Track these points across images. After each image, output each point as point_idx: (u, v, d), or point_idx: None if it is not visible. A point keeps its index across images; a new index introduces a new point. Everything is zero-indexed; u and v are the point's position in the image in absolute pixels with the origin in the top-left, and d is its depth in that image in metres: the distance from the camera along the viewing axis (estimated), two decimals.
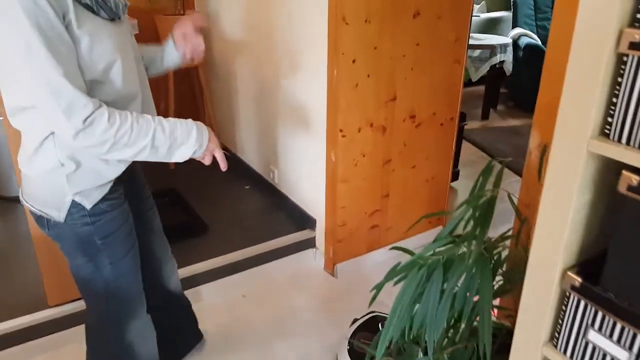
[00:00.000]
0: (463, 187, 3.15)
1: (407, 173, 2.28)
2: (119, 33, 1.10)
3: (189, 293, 1.96)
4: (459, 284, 1.02)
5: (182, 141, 1.14)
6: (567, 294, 0.82)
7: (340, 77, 1.92)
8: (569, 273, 0.81)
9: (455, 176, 2.93)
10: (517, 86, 4.34)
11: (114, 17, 1.07)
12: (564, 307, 0.81)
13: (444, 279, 1.04)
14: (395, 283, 1.07)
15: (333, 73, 1.92)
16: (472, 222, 1.16)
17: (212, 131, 1.24)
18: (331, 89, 1.96)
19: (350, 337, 1.74)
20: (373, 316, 1.82)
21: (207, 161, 1.22)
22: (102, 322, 1.36)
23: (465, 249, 1.05)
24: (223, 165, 1.23)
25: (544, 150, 1.10)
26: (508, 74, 4.13)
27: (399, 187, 2.29)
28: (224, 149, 1.25)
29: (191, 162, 1.45)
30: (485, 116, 4.11)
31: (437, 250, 1.08)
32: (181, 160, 1.18)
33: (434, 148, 2.32)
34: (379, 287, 1.11)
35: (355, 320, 1.83)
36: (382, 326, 1.73)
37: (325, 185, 2.16)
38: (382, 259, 2.38)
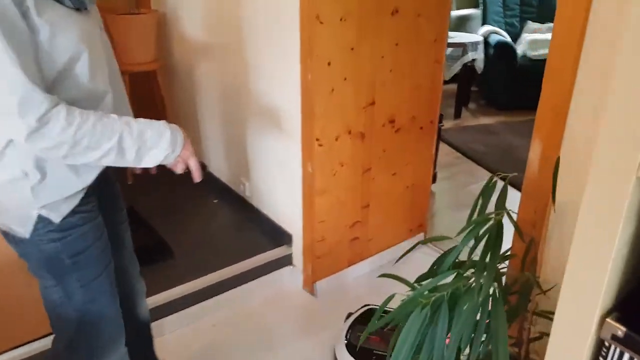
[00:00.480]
0: (441, 190, 3.05)
1: (387, 181, 2.14)
2: (86, 24, 1.00)
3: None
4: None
5: (153, 144, 1.02)
6: (607, 344, 0.68)
7: (315, 81, 1.75)
8: (609, 320, 0.67)
9: (433, 179, 2.82)
10: (488, 84, 4.28)
11: (79, 7, 0.98)
12: None
13: (450, 317, 0.90)
14: (391, 324, 0.92)
15: (307, 77, 1.75)
16: (471, 246, 1.03)
17: (188, 137, 1.10)
18: (305, 95, 1.79)
19: (347, 331, 1.72)
20: (368, 309, 1.83)
21: (179, 169, 1.10)
22: (71, 356, 1.17)
23: (470, 281, 0.91)
24: (197, 176, 1.12)
25: (557, 164, 0.97)
26: (479, 72, 4.07)
27: (380, 196, 2.14)
28: None
29: (151, 177, 1.28)
30: (457, 115, 4.04)
31: (440, 284, 0.93)
32: (151, 165, 1.05)
33: (414, 153, 2.19)
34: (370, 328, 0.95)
35: (349, 315, 1.83)
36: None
37: (302, 198, 1.99)
38: (363, 272, 2.23)
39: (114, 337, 1.21)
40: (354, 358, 1.64)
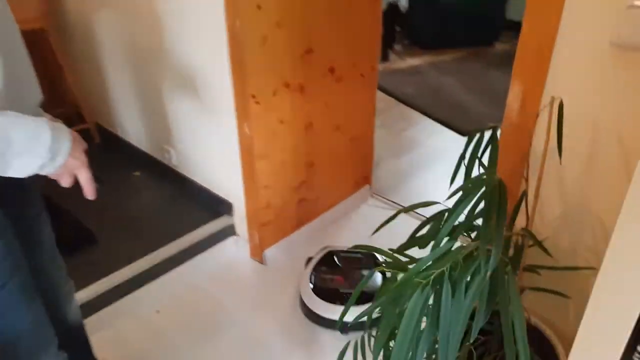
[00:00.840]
0: (378, 138, 2.95)
1: (330, 135, 1.99)
2: None
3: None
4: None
5: (24, 149, 0.76)
6: None
7: (245, 29, 1.52)
8: None
9: None
10: (412, 23, 4.18)
11: None
12: None
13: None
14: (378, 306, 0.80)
15: (235, 24, 1.51)
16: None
17: (79, 141, 0.86)
18: (234, 45, 1.56)
19: (311, 275, 1.74)
20: (328, 252, 1.84)
21: (64, 182, 0.86)
22: None
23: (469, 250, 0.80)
24: (89, 191, 0.88)
25: (561, 108, 0.85)
26: (404, 11, 3.94)
27: (324, 153, 1.99)
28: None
29: None
30: (385, 57, 3.92)
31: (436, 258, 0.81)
32: (22, 176, 0.79)
33: (356, 103, 2.04)
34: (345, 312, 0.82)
35: (309, 259, 1.84)
36: (339, 258, 1.78)
37: (241, 163, 1.79)
38: (313, 232, 2.11)
39: (37, 351, 1.02)
40: (323, 299, 1.64)
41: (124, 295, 1.76)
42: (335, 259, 1.80)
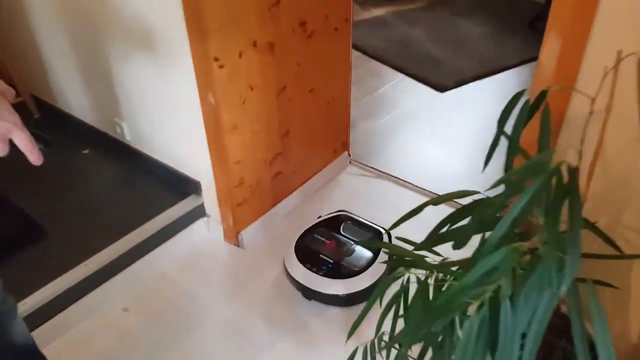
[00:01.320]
0: (352, 100, 2.76)
1: (305, 100, 1.78)
2: None
3: (40, 333, 1.36)
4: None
5: None
6: None
7: None
8: None
9: None
10: None
11: None
12: None
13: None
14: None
15: None
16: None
17: (5, 102, 0.68)
18: None
19: (308, 230, 1.68)
20: (339, 215, 1.76)
21: None
22: None
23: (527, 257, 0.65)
24: (33, 156, 0.71)
25: None
26: None
27: (299, 120, 1.79)
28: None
29: None
30: None
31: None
32: None
33: (331, 62, 1.83)
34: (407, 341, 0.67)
35: (319, 218, 1.75)
36: (345, 225, 1.69)
37: (207, 137, 1.57)
38: (292, 207, 1.94)
39: None
40: (299, 258, 1.58)
41: (85, 294, 1.55)
42: (342, 225, 1.70)
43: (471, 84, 2.80)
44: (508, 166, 0.87)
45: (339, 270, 1.54)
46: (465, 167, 2.17)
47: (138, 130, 1.86)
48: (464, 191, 0.75)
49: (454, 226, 0.75)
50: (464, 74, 2.85)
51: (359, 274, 1.53)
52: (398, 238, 1.01)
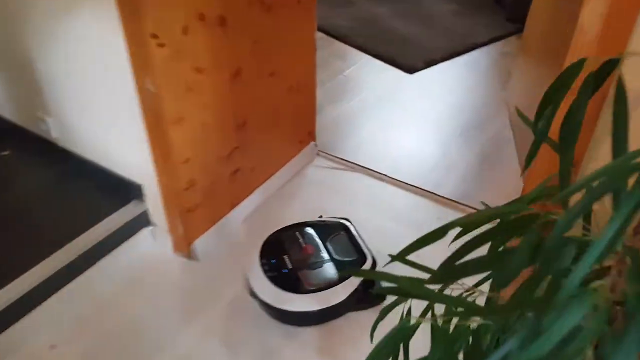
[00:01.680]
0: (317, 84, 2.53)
1: (264, 85, 1.53)
2: None
3: None
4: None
5: None
6: None
7: None
8: None
9: None
10: None
11: None
12: None
13: None
14: None
15: None
16: None
17: None
18: None
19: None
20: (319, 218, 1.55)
21: None
22: None
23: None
24: None
25: None
26: None
27: (258, 108, 1.54)
28: None
29: None
30: None
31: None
32: None
33: (293, 40, 1.58)
34: None
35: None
36: (335, 237, 1.45)
37: (147, 132, 1.30)
38: (253, 209, 1.70)
39: None
40: (262, 255, 1.38)
41: (3, 328, 1.27)
42: (333, 235, 1.46)
43: (441, 64, 2.62)
44: (530, 158, 0.67)
45: (289, 279, 1.31)
46: (440, 152, 1.98)
47: (66, 126, 1.56)
48: (512, 206, 0.54)
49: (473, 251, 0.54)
50: (434, 53, 2.66)
51: (304, 293, 1.29)
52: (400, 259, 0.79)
